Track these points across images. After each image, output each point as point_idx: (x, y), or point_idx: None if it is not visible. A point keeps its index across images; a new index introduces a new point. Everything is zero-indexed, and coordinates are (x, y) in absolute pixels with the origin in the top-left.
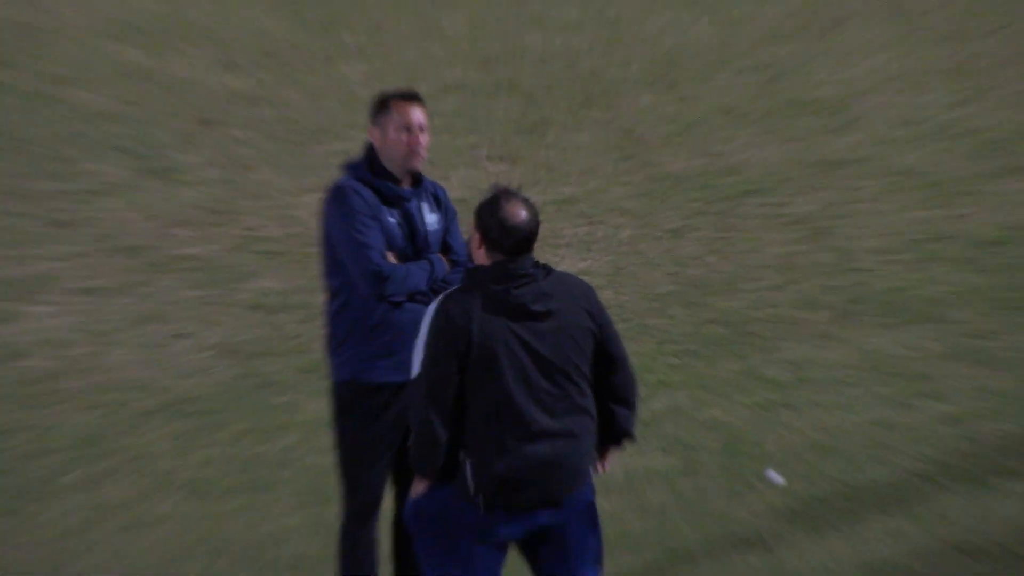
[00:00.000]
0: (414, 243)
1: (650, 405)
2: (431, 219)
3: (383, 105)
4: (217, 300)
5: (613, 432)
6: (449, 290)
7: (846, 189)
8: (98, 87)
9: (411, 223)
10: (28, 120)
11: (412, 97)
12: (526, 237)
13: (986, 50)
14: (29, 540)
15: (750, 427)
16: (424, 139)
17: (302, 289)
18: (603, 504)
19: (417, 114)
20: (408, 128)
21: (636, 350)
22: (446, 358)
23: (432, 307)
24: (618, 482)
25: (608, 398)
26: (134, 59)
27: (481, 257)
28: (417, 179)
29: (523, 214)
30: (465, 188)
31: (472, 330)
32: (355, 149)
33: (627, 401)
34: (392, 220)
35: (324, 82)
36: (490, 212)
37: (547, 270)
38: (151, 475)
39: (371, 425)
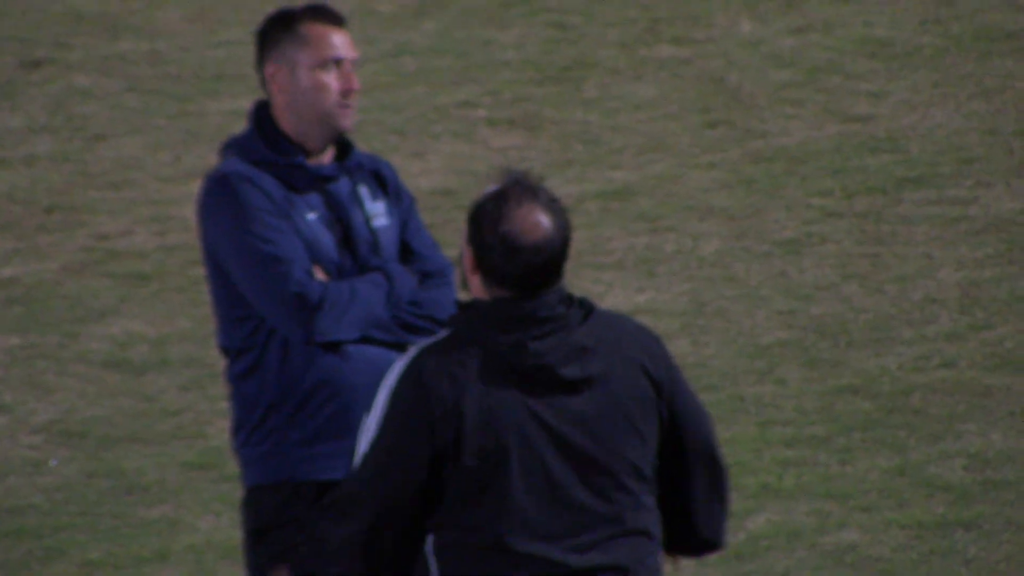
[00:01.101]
0: (354, 250)
1: (747, 524)
2: (374, 209)
3: (286, 29)
4: (51, 352)
5: (684, 537)
6: (426, 342)
7: None
8: None
9: (344, 218)
10: None
11: (332, 16)
12: (546, 264)
13: None
14: None
15: (909, 560)
16: (356, 83)
17: (188, 335)
18: None
19: (344, 43)
20: (335, 62)
21: (727, 436)
22: (414, 454)
23: (398, 367)
24: None
25: (679, 499)
26: None
27: (477, 287)
28: (343, 148)
29: (544, 225)
30: (452, 173)
31: (464, 409)
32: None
33: (711, 497)
34: (313, 216)
35: None
36: (489, 222)
37: (585, 309)
38: None
39: (306, 553)
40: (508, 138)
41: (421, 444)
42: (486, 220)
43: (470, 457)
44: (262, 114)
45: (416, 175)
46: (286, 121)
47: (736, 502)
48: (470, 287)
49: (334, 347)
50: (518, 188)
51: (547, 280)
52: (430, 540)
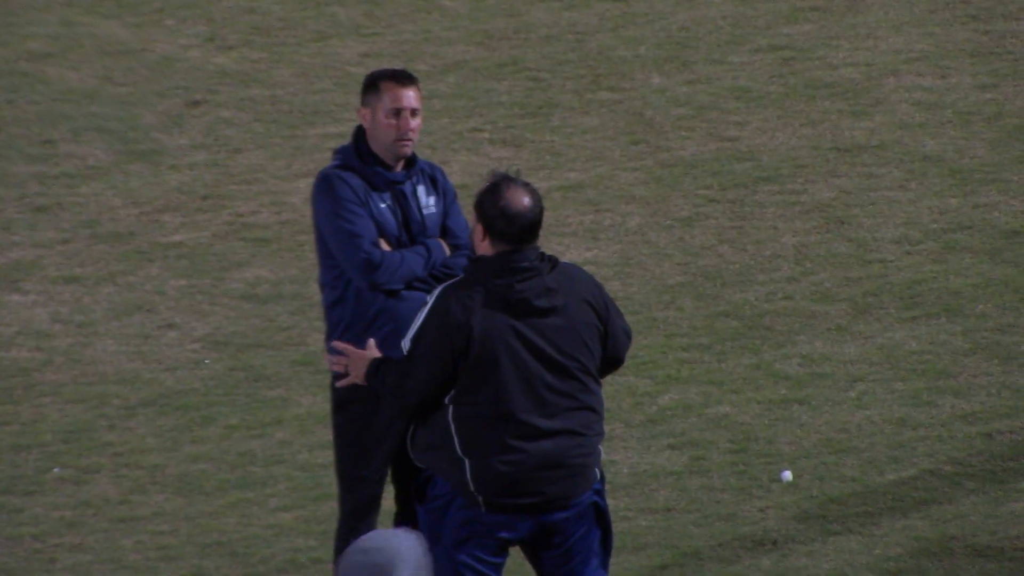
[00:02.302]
0: (409, 229)
1: (658, 401)
2: (427, 202)
3: (373, 86)
4: (206, 290)
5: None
6: (449, 282)
7: (865, 176)
8: (80, 64)
9: (405, 208)
10: (5, 99)
11: (403, 78)
12: (532, 224)
13: (1014, 31)
14: (14, 537)
15: (762, 425)
16: (414, 123)
17: (295, 279)
18: (608, 503)
19: (408, 97)
20: (397, 112)
21: (644, 343)
22: (439, 355)
23: (431, 298)
24: (624, 481)
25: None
26: (118, 35)
27: (484, 249)
28: (411, 161)
29: (526, 200)
30: (466, 174)
31: (472, 326)
32: (349, 132)
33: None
34: (383, 206)
35: (317, 60)
36: (491, 201)
37: (552, 263)
38: (139, 471)
39: (369, 421)
40: (502, 152)
41: (445, 348)
42: (489, 202)
43: (475, 357)
44: (360, 134)
45: None
46: (372, 143)
47: (649, 386)
48: (477, 249)
49: (392, 291)
50: (506, 179)
51: (532, 236)
52: (450, 411)
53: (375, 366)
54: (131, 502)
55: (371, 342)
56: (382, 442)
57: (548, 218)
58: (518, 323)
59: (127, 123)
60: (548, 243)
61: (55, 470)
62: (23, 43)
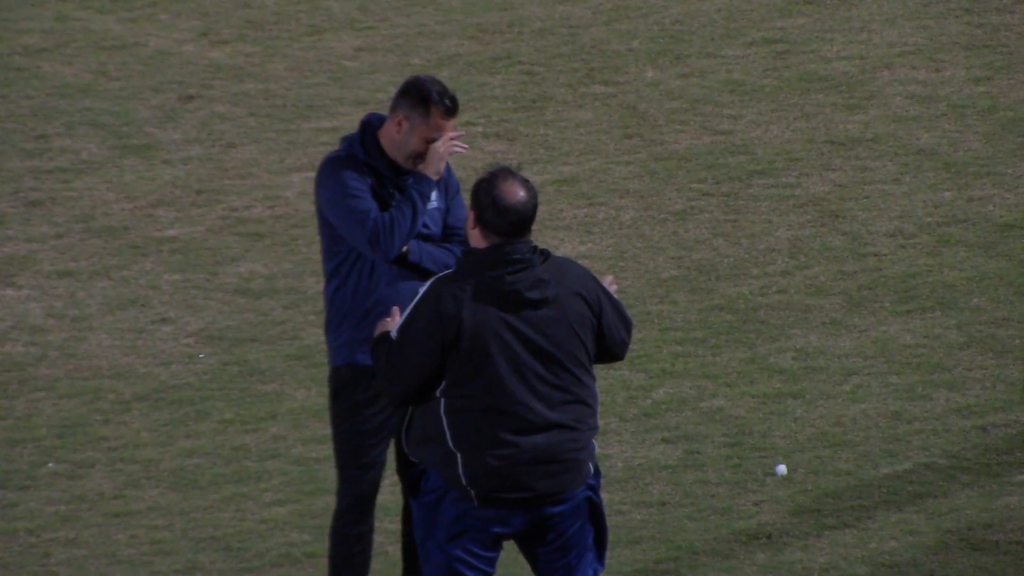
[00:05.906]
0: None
1: (652, 395)
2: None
3: (423, 103)
4: (200, 284)
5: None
6: (440, 274)
7: (859, 169)
8: (74, 59)
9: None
10: None
11: (453, 112)
12: (523, 219)
13: (1008, 23)
14: (8, 531)
15: (756, 418)
16: None
17: (289, 273)
18: (603, 497)
19: (447, 127)
20: (432, 141)
21: (639, 337)
22: (428, 347)
23: (422, 289)
24: (619, 475)
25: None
26: (112, 30)
27: (476, 238)
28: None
29: (520, 194)
30: (460, 168)
31: (463, 319)
32: (344, 127)
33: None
34: (383, 193)
35: (311, 55)
36: (485, 191)
37: (544, 255)
38: (133, 466)
39: (367, 410)
40: (496, 145)
41: (434, 337)
42: (483, 191)
43: (466, 349)
44: (372, 125)
45: None
46: (385, 142)
47: (643, 380)
48: (470, 239)
49: (388, 281)
50: (503, 171)
51: (523, 230)
52: (442, 404)
53: (376, 341)
54: (125, 497)
55: (395, 309)
56: (380, 431)
57: (543, 212)
58: (510, 315)
59: (121, 118)
60: (542, 237)
61: (49, 465)
62: (17, 38)
